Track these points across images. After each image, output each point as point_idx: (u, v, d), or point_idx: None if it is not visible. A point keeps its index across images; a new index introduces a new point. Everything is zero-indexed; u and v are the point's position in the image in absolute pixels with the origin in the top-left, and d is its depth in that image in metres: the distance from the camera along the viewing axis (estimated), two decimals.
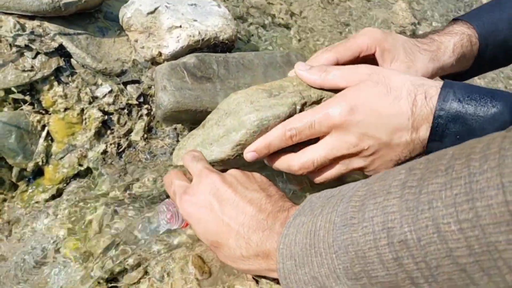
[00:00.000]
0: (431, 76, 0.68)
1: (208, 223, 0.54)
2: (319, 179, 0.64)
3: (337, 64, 0.66)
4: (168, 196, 0.70)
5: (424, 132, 0.55)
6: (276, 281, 0.61)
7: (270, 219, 0.52)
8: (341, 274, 0.43)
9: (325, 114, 0.58)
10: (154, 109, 0.77)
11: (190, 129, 0.77)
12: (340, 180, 0.64)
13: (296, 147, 0.63)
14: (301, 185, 0.73)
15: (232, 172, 0.59)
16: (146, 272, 0.65)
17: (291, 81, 0.65)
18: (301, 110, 0.62)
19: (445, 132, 0.53)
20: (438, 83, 0.55)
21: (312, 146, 0.61)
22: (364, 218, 0.41)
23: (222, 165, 0.67)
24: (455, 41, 0.70)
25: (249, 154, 0.62)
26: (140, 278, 0.65)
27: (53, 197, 0.76)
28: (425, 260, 0.36)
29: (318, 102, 0.63)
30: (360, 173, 0.68)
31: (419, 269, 0.37)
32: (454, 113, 0.52)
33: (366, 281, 0.41)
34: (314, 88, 0.63)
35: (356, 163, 0.60)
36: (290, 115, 0.61)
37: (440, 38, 0.70)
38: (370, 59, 0.68)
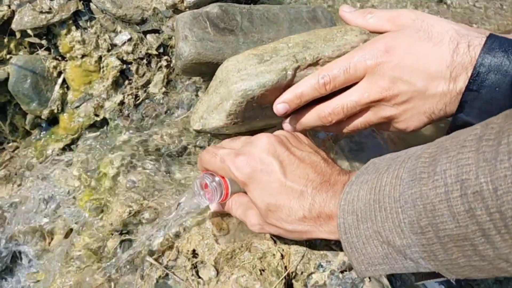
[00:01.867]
0: None
1: (269, 184, 0.52)
2: (348, 128, 0.62)
3: None
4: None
5: (462, 82, 0.52)
6: (295, 242, 0.60)
7: (332, 180, 0.52)
8: (405, 228, 0.42)
9: (360, 56, 0.56)
10: (173, 61, 0.75)
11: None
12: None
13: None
14: (325, 144, 0.71)
15: (282, 132, 0.58)
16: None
17: (287, 42, 0.62)
18: (293, 75, 0.59)
19: (484, 82, 0.51)
20: (484, 34, 0.53)
21: (343, 93, 0.59)
22: (436, 171, 0.40)
23: (227, 131, 0.66)
24: None
25: (279, 106, 0.60)
26: (156, 232, 0.63)
27: (67, 147, 0.75)
28: (500, 211, 0.35)
29: (314, 64, 0.61)
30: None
31: (492, 220, 0.36)
32: (498, 63, 0.50)
33: (432, 235, 0.40)
34: (311, 49, 0.60)
35: (387, 111, 0.58)
36: (279, 82, 0.59)
37: None
38: None
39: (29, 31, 0.69)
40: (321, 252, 0.59)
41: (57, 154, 0.74)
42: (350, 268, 0.57)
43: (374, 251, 0.46)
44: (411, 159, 0.44)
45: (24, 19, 0.67)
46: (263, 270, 0.56)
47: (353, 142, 0.77)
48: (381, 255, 0.45)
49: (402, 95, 0.55)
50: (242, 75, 0.59)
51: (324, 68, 0.58)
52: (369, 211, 0.45)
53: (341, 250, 0.57)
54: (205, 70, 0.68)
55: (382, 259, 0.45)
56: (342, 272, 0.57)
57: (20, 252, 0.69)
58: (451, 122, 0.55)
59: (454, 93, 0.53)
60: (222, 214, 0.63)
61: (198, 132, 0.68)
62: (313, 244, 0.60)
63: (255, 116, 0.63)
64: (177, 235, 0.62)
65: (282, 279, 0.55)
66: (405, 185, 0.42)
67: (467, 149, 0.39)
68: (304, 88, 0.59)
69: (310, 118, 0.61)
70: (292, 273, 0.58)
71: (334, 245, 0.60)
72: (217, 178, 0.58)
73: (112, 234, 0.65)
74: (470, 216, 0.37)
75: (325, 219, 0.50)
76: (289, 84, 0.60)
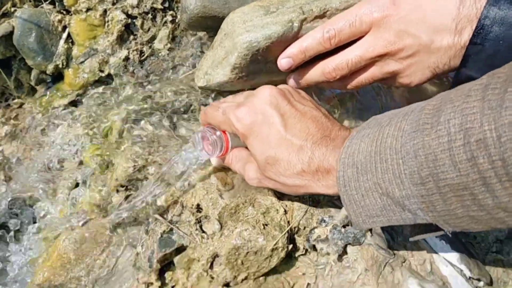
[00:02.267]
0: None
1: (269, 137, 0.52)
2: (352, 84, 0.61)
3: None
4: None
5: (467, 35, 0.51)
6: (298, 198, 0.60)
7: (332, 135, 0.52)
8: (406, 179, 0.42)
9: (366, 9, 0.55)
10: (179, 16, 0.74)
11: None
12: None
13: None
14: (330, 102, 0.71)
15: (285, 86, 0.57)
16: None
17: None
18: (299, 28, 0.59)
19: (488, 35, 0.49)
20: None
21: (348, 48, 0.58)
22: (439, 121, 0.40)
23: (231, 87, 0.66)
24: None
25: (284, 61, 0.60)
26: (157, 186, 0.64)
27: (73, 103, 0.75)
28: (502, 158, 0.35)
29: (321, 16, 0.59)
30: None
31: (494, 168, 0.36)
32: (503, 15, 0.48)
33: (432, 185, 0.40)
34: (318, 0, 0.59)
35: (392, 65, 0.57)
36: (285, 35, 0.58)
37: None
38: None
39: None
40: (324, 208, 0.59)
41: (63, 110, 0.74)
42: None
43: (373, 203, 0.46)
44: (414, 112, 0.44)
45: None
46: (266, 225, 0.57)
47: (358, 102, 0.76)
48: (379, 206, 0.46)
49: (407, 49, 0.55)
50: (248, 27, 0.58)
51: (329, 21, 0.57)
52: (370, 163, 0.45)
53: None
54: (210, 24, 0.67)
55: (380, 210, 0.46)
56: (344, 226, 0.57)
57: (27, 209, 0.70)
58: (454, 77, 0.54)
59: (459, 47, 0.52)
60: (227, 170, 0.63)
61: (203, 88, 0.68)
62: (316, 200, 0.60)
63: (259, 70, 0.63)
64: (182, 190, 0.62)
65: (284, 233, 0.56)
66: (407, 136, 0.42)
67: (472, 98, 0.38)
68: (309, 42, 0.58)
69: (314, 73, 0.61)
70: (294, 228, 0.58)
71: (337, 201, 0.60)
72: (218, 132, 0.58)
73: (118, 190, 0.65)
74: (472, 164, 0.37)
75: (324, 173, 0.50)
76: (295, 37, 0.59)
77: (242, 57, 0.59)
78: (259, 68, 0.61)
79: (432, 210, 0.42)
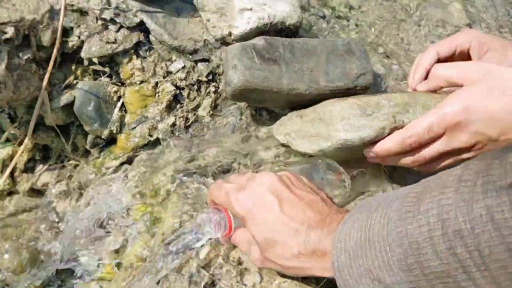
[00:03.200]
0: None
1: (267, 221, 0.55)
2: (429, 170, 0.67)
3: (438, 59, 0.72)
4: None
5: None
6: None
7: (328, 219, 0.54)
8: (394, 265, 0.43)
9: (442, 115, 0.62)
10: (221, 87, 0.82)
11: (255, 108, 0.82)
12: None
13: None
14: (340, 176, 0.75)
15: (285, 173, 0.61)
16: None
17: (389, 99, 0.68)
18: (389, 133, 0.66)
19: None
20: None
21: (426, 148, 0.65)
22: (420, 211, 0.42)
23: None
24: None
25: (370, 154, 0.68)
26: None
27: (123, 164, 0.82)
28: (478, 249, 0.37)
29: None
30: None
31: (472, 257, 0.38)
32: None
33: (418, 272, 0.42)
34: (410, 113, 0.67)
35: (464, 155, 0.64)
36: (376, 138, 0.65)
37: None
38: (464, 54, 0.74)
39: (95, 59, 0.77)
40: None
41: (114, 171, 0.80)
42: None
43: None
44: (399, 199, 0.46)
45: (92, 49, 0.76)
46: (305, 278, 0.61)
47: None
48: None
49: (478, 144, 0.61)
50: (345, 125, 0.66)
51: (408, 127, 0.65)
52: (360, 249, 0.47)
53: None
54: (251, 96, 0.75)
55: None
56: None
57: (75, 263, 0.74)
58: None
59: None
60: None
61: (281, 144, 0.76)
62: None
63: (344, 155, 0.70)
64: (223, 244, 0.67)
65: (320, 286, 0.59)
66: (392, 224, 0.44)
67: (448, 189, 0.41)
68: (392, 145, 0.65)
69: (393, 161, 0.68)
70: (330, 281, 0.62)
71: None
72: (222, 214, 0.61)
73: (164, 243, 0.70)
74: (452, 254, 0.39)
75: (320, 256, 0.52)
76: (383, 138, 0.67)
77: (334, 149, 0.66)
78: (343, 154, 0.69)
79: None
